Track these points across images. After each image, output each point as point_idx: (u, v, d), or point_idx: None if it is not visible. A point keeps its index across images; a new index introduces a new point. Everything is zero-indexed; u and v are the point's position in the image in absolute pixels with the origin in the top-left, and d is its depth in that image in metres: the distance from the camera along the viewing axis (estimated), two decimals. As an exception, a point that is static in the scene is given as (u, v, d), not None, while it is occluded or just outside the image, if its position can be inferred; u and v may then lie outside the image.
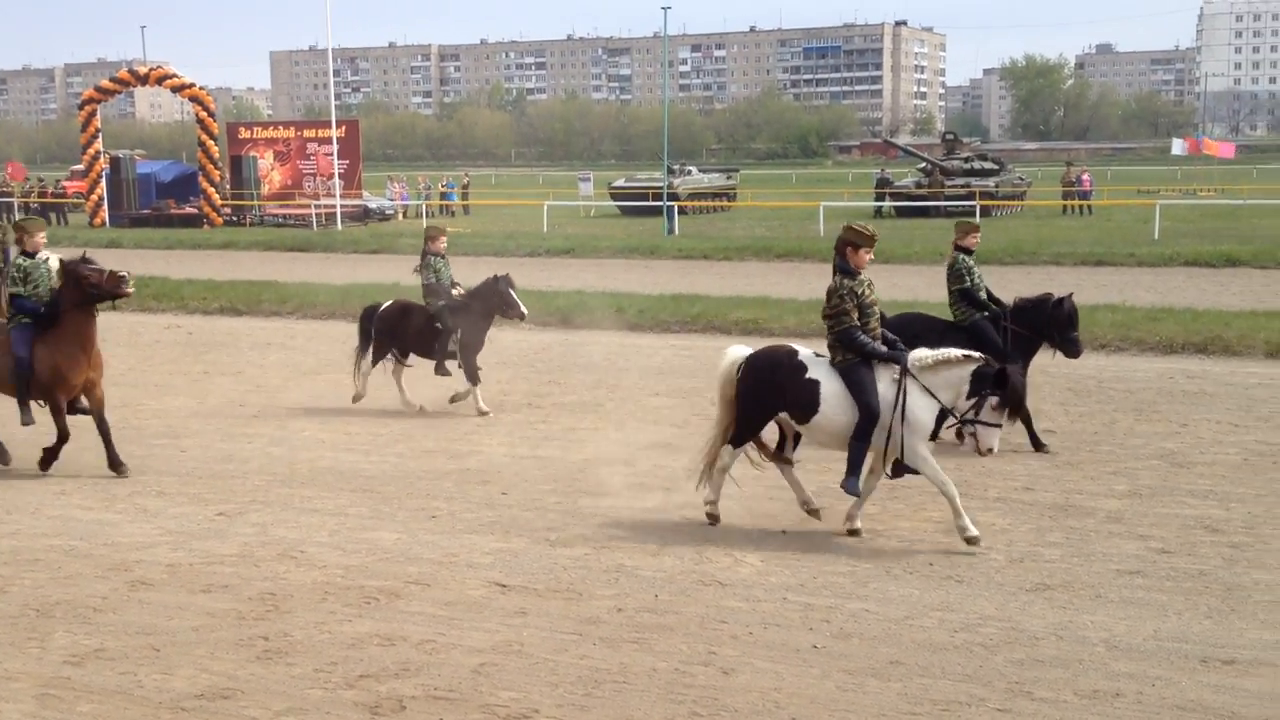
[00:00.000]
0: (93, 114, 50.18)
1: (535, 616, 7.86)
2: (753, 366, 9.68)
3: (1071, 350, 12.42)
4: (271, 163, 52.25)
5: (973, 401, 9.07)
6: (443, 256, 14.42)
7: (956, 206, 44.67)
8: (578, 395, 14.60)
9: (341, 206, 47.55)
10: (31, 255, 11.51)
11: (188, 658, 7.27)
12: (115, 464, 11.47)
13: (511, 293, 14.15)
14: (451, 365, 14.32)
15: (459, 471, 11.58)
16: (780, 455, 9.99)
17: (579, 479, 11.23)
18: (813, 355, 9.71)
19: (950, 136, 56.97)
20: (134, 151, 60.30)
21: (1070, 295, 12.45)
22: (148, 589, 8.46)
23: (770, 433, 10.03)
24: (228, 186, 50.46)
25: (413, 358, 14.63)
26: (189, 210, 49.79)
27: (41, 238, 11.73)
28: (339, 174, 48.65)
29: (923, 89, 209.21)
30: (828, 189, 62.34)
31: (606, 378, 16.08)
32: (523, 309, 14.26)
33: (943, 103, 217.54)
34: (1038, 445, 12.02)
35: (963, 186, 47.16)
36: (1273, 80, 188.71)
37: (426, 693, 6.75)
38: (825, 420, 9.36)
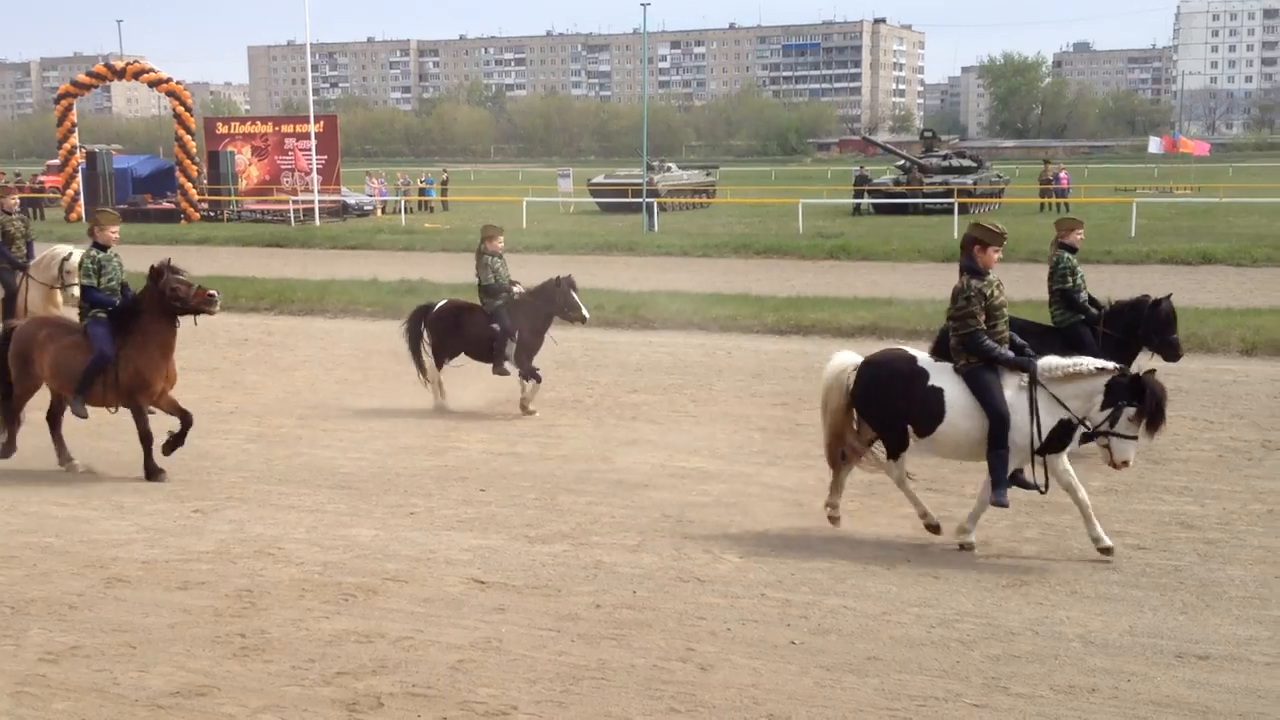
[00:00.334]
0: (69, 108, 49.94)
1: (513, 613, 7.85)
2: (870, 376, 9.18)
3: (1171, 353, 11.83)
4: (249, 158, 52.10)
5: (1108, 413, 8.60)
6: (500, 255, 14.09)
7: (935, 204, 44.83)
8: (556, 392, 14.59)
9: (319, 202, 47.40)
10: (104, 248, 11.35)
11: (164, 655, 7.24)
12: (151, 471, 11.22)
13: (573, 294, 13.86)
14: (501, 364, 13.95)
15: (438, 468, 11.56)
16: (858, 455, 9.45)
17: (558, 476, 11.23)
18: (931, 360, 9.25)
19: (929, 134, 57.10)
20: (110, 146, 60.02)
21: (1169, 296, 12.01)
22: (124, 586, 8.42)
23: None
24: (205, 181, 50.25)
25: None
26: (166, 205, 49.55)
27: (114, 231, 11.53)
28: (317, 169, 48.49)
29: (901, 86, 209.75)
30: (807, 186, 62.44)
31: (585, 375, 16.07)
32: (584, 312, 13.97)
33: (921, 100, 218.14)
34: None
35: (941, 184, 47.25)
36: (1248, 79, 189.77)
37: (404, 690, 6.74)
38: (952, 430, 8.89)
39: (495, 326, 13.87)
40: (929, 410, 8.91)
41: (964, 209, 39.41)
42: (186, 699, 6.66)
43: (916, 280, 25.29)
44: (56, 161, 53.19)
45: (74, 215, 48.68)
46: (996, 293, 9.04)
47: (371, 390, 15.23)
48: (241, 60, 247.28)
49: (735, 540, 9.31)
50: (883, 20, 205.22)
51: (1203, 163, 74.32)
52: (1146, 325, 11.86)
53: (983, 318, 8.90)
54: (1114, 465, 8.83)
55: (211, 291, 11.12)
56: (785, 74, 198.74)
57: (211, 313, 11.17)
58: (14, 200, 16.91)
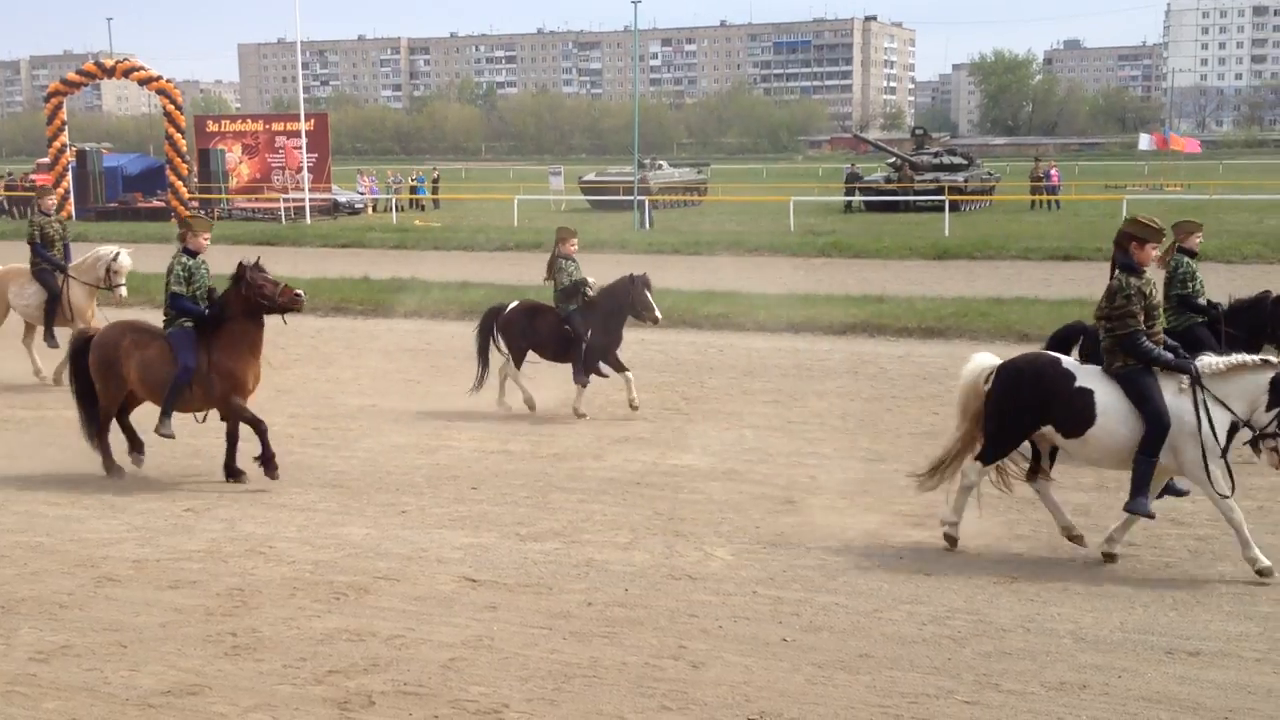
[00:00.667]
0: (59, 106, 49.71)
1: (505, 611, 7.85)
2: (1011, 377, 8.78)
3: None
4: (240, 156, 51.97)
5: (1275, 413, 8.19)
6: (573, 259, 13.88)
7: (926, 201, 44.88)
8: (549, 391, 14.58)
9: (310, 200, 47.31)
10: (194, 254, 11.08)
11: (155, 654, 7.22)
12: (232, 472, 11.04)
13: (647, 294, 13.68)
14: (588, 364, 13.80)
15: (429, 466, 11.55)
16: (1038, 471, 9.10)
17: (550, 474, 11.23)
18: (1076, 362, 8.92)
19: (920, 132, 57.15)
20: (101, 145, 59.90)
21: None
22: (114, 585, 8.40)
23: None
24: (195, 180, 50.13)
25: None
26: (156, 203, 49.41)
27: (206, 238, 11.27)
28: (308, 167, 48.40)
29: (892, 84, 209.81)
30: (798, 183, 62.43)
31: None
32: (657, 313, 13.78)
33: (912, 98, 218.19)
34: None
35: (932, 181, 47.32)
36: (1238, 76, 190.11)
37: (396, 688, 6.74)
38: (1103, 434, 8.48)
39: (567, 329, 13.65)
40: (1078, 412, 8.51)
41: (955, 206, 39.48)
42: (178, 698, 6.65)
43: (908, 277, 25.34)
44: (46, 160, 52.95)
45: (64, 214, 48.45)
46: (1154, 291, 8.68)
47: (363, 388, 15.21)
48: (232, 58, 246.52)
49: (727, 538, 9.31)
50: (874, 18, 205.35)
51: (1193, 160, 74.52)
52: (1273, 321, 11.57)
53: (1142, 317, 8.51)
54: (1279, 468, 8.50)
55: (298, 291, 10.94)
56: (776, 71, 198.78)
57: (299, 310, 10.99)
58: (52, 201, 16.66)
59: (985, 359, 9.16)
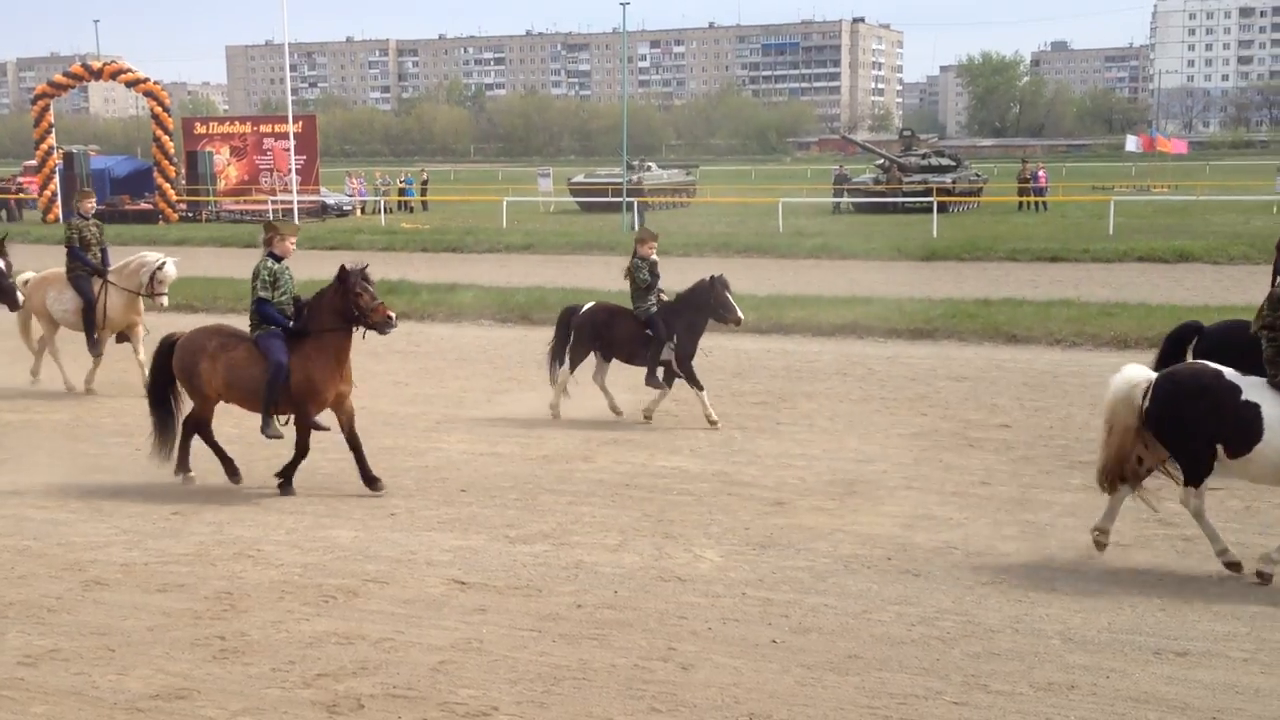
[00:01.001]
0: (46, 109, 49.61)
1: (494, 614, 7.84)
2: (1174, 391, 8.28)
3: None
4: (228, 158, 51.84)
5: None
6: (648, 260, 13.59)
7: (914, 203, 44.96)
8: (538, 391, 14.56)
9: (299, 202, 47.23)
10: (279, 259, 10.79)
11: (143, 658, 7.20)
12: (370, 480, 10.61)
13: (728, 296, 13.49)
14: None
15: (418, 469, 11.53)
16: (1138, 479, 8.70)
17: (539, 476, 11.22)
18: (1238, 374, 8.33)
19: (908, 133, 57.33)
20: (88, 147, 59.82)
21: None
22: (102, 589, 8.38)
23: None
24: (183, 182, 50.01)
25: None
26: (144, 206, 49.30)
27: (292, 243, 10.94)
28: (296, 169, 48.31)
29: (880, 86, 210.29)
30: (787, 185, 62.55)
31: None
32: (739, 314, 13.55)
33: (900, 99, 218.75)
34: None
35: (920, 183, 47.44)
36: (1225, 78, 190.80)
37: (385, 691, 6.73)
38: (1271, 450, 8.03)
39: (648, 331, 13.46)
40: (1244, 428, 8.05)
41: (943, 208, 39.53)
42: (166, 702, 6.63)
43: (896, 279, 25.36)
44: (34, 162, 52.85)
45: (51, 216, 48.40)
46: None
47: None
48: (219, 60, 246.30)
49: (716, 540, 9.32)
50: (861, 19, 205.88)
51: (1180, 161, 74.76)
52: None
53: None
54: None
55: (391, 313, 10.57)
56: (764, 73, 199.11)
57: (384, 333, 10.65)
58: (91, 204, 16.08)
59: (1137, 371, 8.65)
